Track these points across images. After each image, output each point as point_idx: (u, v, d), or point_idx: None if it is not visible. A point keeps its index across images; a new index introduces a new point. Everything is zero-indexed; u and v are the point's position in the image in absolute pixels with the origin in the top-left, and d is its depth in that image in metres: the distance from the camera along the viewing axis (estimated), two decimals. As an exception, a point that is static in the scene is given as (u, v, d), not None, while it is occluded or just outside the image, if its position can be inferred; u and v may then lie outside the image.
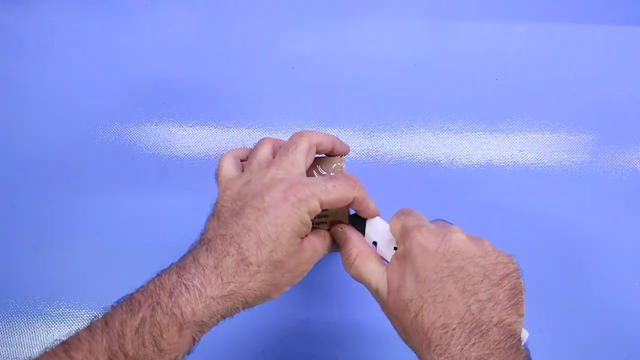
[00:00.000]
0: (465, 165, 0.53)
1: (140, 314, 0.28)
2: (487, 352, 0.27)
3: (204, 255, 0.30)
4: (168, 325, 0.27)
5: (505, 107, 0.55)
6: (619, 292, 0.50)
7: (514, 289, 0.30)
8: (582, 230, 0.51)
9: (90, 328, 0.29)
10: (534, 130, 0.54)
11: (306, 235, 0.34)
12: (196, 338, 0.29)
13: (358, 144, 0.54)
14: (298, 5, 0.59)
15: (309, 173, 0.37)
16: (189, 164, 0.54)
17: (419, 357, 0.30)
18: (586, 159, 0.54)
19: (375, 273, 0.33)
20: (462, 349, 0.27)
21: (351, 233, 0.36)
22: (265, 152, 0.36)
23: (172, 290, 0.28)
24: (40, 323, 0.49)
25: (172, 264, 0.31)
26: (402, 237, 0.33)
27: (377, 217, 0.36)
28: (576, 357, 0.49)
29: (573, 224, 0.52)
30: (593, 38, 0.57)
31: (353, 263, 0.34)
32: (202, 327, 0.29)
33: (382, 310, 0.34)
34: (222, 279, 0.29)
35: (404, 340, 0.33)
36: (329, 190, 0.32)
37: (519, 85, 0.56)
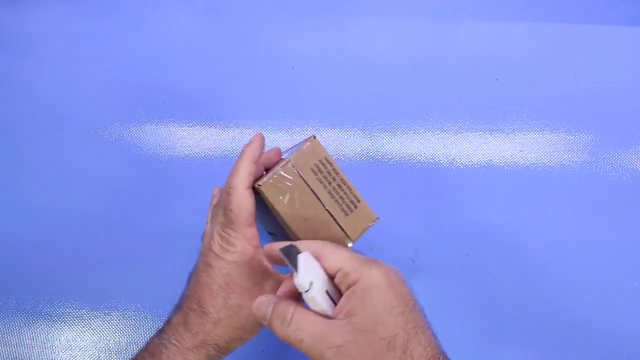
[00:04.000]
0: (465, 165, 0.53)
1: None
2: None
3: (174, 315, 0.35)
4: None
5: (505, 107, 0.55)
6: (620, 292, 0.50)
7: None
8: (582, 230, 0.51)
9: None
10: (534, 130, 0.54)
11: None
12: None
13: (358, 144, 0.54)
14: (298, 5, 0.59)
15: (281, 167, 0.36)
16: (189, 164, 0.54)
17: None
18: (586, 159, 0.54)
19: (326, 327, 0.28)
20: None
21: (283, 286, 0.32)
22: (215, 200, 0.40)
23: (154, 351, 0.33)
24: (40, 323, 0.49)
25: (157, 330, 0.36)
26: (360, 269, 0.28)
27: (308, 252, 0.30)
28: (578, 359, 0.49)
29: (573, 224, 0.52)
30: (593, 38, 0.57)
31: (292, 319, 0.28)
32: None
33: None
34: (191, 332, 0.33)
35: None
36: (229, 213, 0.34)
37: (519, 85, 0.56)
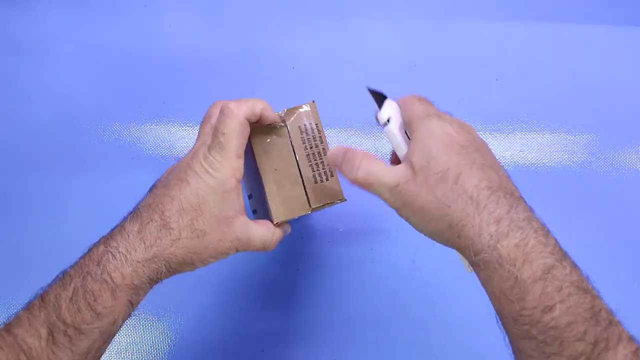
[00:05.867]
0: (465, 165, 0.53)
1: (72, 285, 0.30)
2: (529, 214, 0.28)
3: (129, 222, 0.32)
4: (100, 291, 0.30)
5: (505, 107, 0.55)
6: (619, 291, 0.50)
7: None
8: (582, 230, 0.51)
9: (28, 307, 0.31)
10: (534, 130, 0.54)
11: (256, 222, 0.35)
12: (132, 301, 0.31)
13: (358, 144, 0.54)
14: (298, 5, 0.59)
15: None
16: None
17: (461, 227, 0.29)
18: (586, 159, 0.54)
19: (386, 170, 0.32)
20: (510, 210, 0.28)
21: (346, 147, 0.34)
22: (213, 120, 0.35)
23: (99, 259, 0.30)
24: (40, 323, 0.49)
25: (102, 236, 0.33)
26: (422, 120, 0.32)
27: (393, 100, 0.36)
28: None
29: (573, 225, 0.52)
30: (593, 38, 0.57)
31: (360, 165, 0.32)
32: (136, 289, 0.31)
33: (402, 202, 0.31)
34: (144, 243, 0.31)
35: (436, 220, 0.30)
36: (224, 143, 0.32)
37: (519, 85, 0.56)
